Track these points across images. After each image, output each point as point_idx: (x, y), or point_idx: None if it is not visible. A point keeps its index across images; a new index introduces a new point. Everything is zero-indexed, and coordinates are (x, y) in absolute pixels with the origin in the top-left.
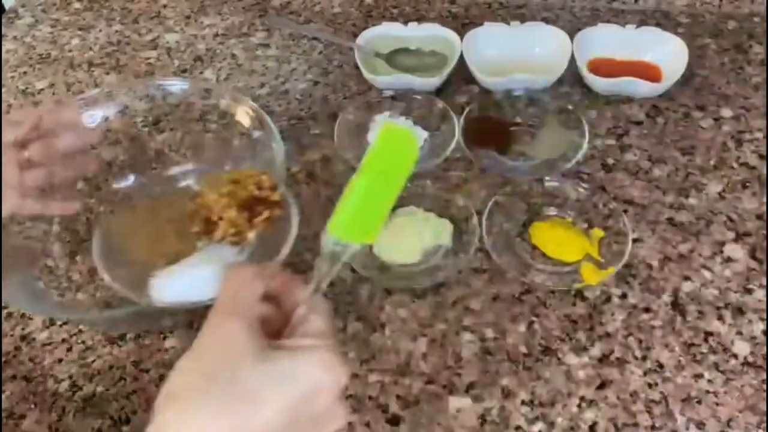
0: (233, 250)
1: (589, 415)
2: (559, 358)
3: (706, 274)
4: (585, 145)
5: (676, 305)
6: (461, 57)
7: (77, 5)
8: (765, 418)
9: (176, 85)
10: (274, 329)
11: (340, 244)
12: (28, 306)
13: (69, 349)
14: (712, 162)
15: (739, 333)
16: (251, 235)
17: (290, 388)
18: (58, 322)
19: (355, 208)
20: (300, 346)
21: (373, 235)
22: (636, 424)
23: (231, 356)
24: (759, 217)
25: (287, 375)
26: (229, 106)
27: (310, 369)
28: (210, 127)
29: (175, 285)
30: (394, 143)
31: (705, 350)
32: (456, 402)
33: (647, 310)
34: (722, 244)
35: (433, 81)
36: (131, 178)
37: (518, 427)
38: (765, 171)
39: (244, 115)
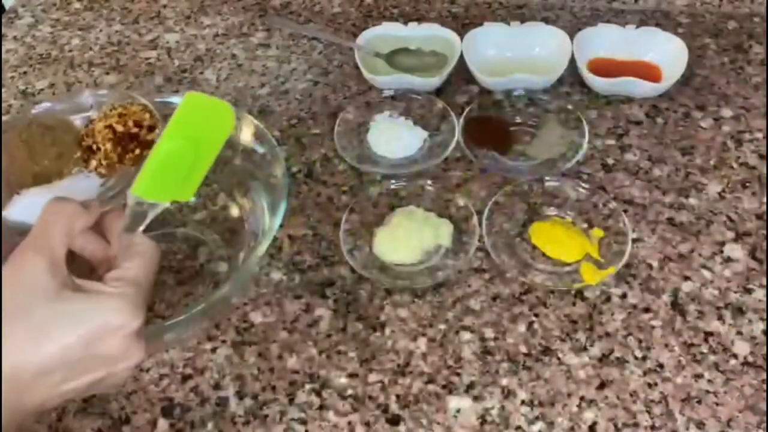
0: (98, 182)
1: (589, 415)
2: (559, 358)
3: (706, 274)
4: (585, 145)
5: (676, 305)
6: (461, 57)
7: (77, 5)
8: (765, 418)
9: (177, 101)
10: (106, 265)
11: (143, 201)
12: None
13: None
14: (712, 162)
15: (739, 333)
16: (121, 170)
17: (77, 329)
18: None
19: (153, 170)
20: (97, 290)
21: (182, 194)
22: (636, 424)
23: (26, 292)
24: (759, 217)
25: (76, 316)
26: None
27: (99, 312)
28: None
29: (29, 206)
30: (199, 111)
31: (705, 350)
32: (456, 402)
33: (647, 310)
34: (722, 244)
35: (433, 81)
36: None
37: (518, 427)
38: (765, 171)
39: (245, 132)
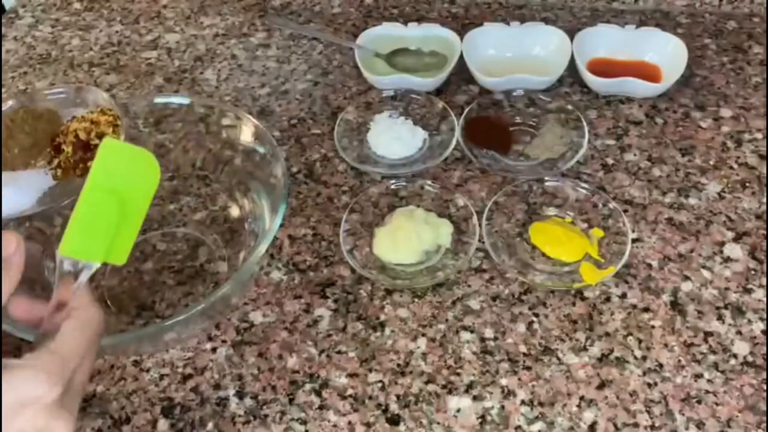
0: (51, 183)
1: (589, 414)
2: (558, 358)
3: (706, 274)
4: (585, 145)
5: (675, 305)
6: (461, 57)
7: (77, 5)
8: (765, 418)
9: (177, 101)
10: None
11: (70, 260)
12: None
13: None
14: (711, 162)
15: (739, 333)
16: (71, 178)
17: None
18: None
19: (76, 226)
20: (10, 365)
21: (113, 255)
22: (636, 424)
23: None
24: (759, 217)
25: None
26: (231, 126)
27: (11, 385)
28: (211, 146)
29: None
30: (119, 161)
31: (705, 350)
32: (456, 402)
33: (647, 309)
34: (722, 244)
35: (433, 81)
36: None
37: (518, 427)
38: (765, 171)
39: (246, 133)
